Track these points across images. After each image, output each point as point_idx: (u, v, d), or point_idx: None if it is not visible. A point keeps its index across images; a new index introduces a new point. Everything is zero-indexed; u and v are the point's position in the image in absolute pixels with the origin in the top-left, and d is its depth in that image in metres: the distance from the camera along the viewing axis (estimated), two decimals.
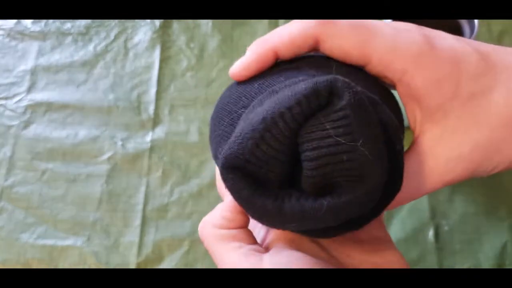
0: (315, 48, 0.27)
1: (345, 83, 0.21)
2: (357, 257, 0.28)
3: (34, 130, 0.53)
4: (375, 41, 0.25)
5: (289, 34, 0.26)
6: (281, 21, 0.61)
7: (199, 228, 0.28)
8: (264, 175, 0.22)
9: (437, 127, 0.26)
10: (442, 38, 0.27)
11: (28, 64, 0.58)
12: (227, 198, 0.27)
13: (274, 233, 0.29)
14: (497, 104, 0.25)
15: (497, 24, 0.60)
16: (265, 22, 0.61)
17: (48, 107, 0.55)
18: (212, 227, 0.27)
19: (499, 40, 0.59)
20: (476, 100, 0.25)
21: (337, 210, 0.22)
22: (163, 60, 0.58)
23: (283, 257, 0.26)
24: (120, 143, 0.52)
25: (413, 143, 0.27)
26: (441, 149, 0.26)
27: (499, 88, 0.25)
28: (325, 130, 0.21)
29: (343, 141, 0.21)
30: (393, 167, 0.23)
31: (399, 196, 0.25)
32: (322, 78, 0.22)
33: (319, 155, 0.21)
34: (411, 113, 0.27)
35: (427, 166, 0.26)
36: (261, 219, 0.24)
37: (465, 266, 0.46)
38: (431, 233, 0.47)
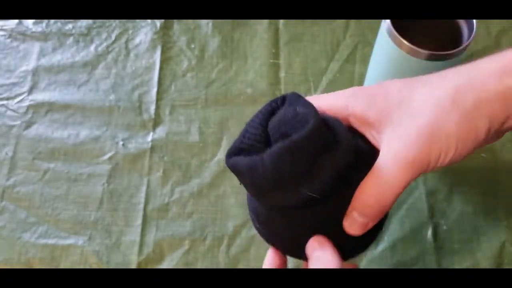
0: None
1: (293, 95, 0.32)
2: None
3: (35, 130, 0.54)
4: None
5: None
6: (281, 21, 0.61)
7: None
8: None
9: (386, 131, 0.31)
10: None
11: (29, 64, 0.58)
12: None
13: None
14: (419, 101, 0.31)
15: (495, 24, 0.60)
16: (265, 22, 0.61)
17: (50, 107, 0.55)
18: None
19: (497, 39, 0.59)
20: (403, 105, 0.31)
21: (273, 156, 0.28)
22: (164, 61, 0.58)
23: None
24: (121, 143, 0.53)
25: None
26: (393, 144, 0.30)
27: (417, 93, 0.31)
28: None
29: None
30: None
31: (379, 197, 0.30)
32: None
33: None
34: (369, 136, 0.32)
35: (387, 162, 0.30)
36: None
37: (464, 266, 0.46)
38: (429, 232, 0.47)
